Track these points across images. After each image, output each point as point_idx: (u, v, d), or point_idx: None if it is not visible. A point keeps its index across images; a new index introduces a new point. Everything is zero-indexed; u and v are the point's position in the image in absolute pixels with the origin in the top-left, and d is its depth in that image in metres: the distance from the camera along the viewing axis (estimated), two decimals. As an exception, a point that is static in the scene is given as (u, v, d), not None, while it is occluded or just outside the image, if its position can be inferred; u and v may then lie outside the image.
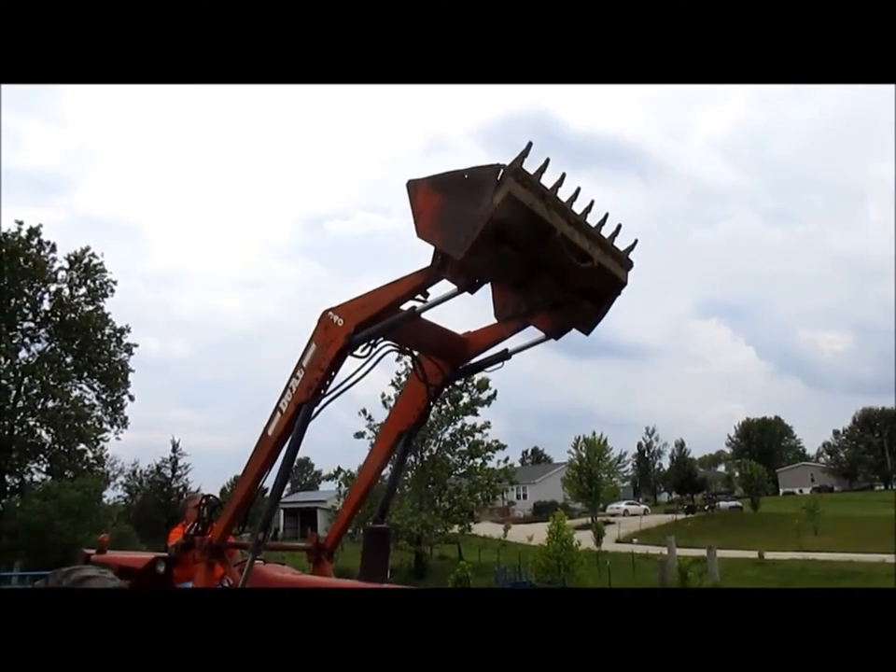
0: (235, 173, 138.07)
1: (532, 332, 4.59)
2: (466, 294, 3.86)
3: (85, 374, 40.45)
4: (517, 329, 4.50)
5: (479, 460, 37.97)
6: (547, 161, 3.57)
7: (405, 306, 4.04)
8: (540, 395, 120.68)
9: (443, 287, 3.92)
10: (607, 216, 4.04)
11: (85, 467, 39.03)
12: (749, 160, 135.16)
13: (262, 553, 4.77)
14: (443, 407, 36.67)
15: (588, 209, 3.94)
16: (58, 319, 39.28)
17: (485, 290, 4.18)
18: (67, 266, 39.43)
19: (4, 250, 36.59)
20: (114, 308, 42.51)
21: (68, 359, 40.19)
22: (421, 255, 3.82)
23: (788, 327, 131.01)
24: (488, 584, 26.34)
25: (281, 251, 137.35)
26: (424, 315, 4.16)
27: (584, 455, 50.41)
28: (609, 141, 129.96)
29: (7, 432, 37.49)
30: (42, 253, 38.65)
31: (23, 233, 37.84)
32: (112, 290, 40.44)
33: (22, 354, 38.97)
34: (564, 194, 3.77)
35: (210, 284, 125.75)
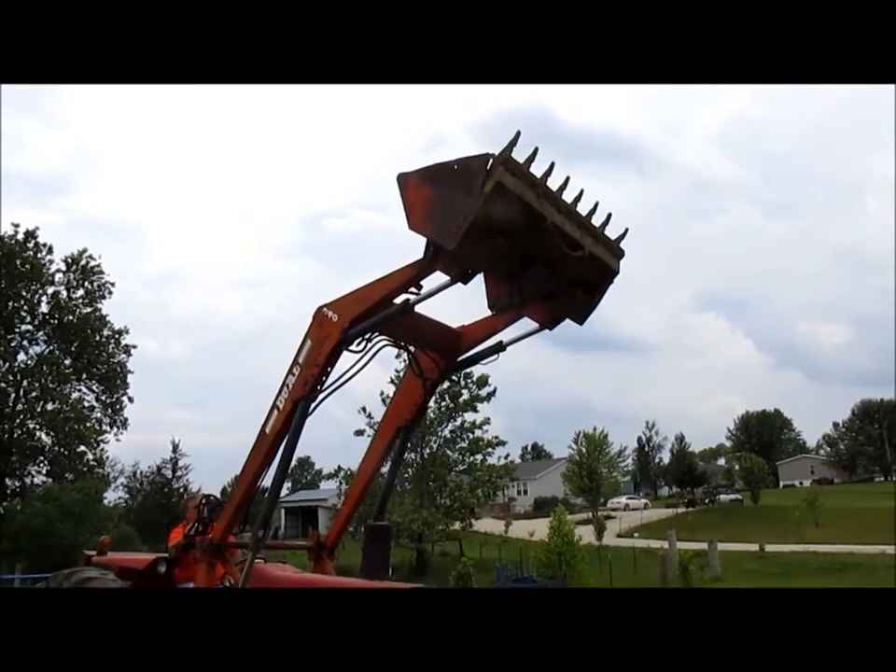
0: (233, 172, 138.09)
1: (526, 324, 4.60)
2: (461, 287, 3.87)
3: (84, 376, 40.43)
4: (511, 320, 4.51)
5: (479, 457, 37.98)
6: (535, 149, 3.58)
7: (399, 299, 4.05)
8: (540, 391, 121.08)
9: (437, 279, 3.92)
10: (597, 205, 4.06)
11: (85, 469, 39.02)
12: (747, 153, 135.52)
13: (263, 552, 4.77)
14: (443, 404, 36.72)
15: (578, 198, 3.96)
16: (56, 322, 39.26)
17: (479, 284, 4.20)
18: (64, 268, 39.47)
19: (1, 253, 36.53)
20: (112, 309, 42.73)
21: (67, 361, 40.14)
22: (418, 251, 3.83)
23: (787, 319, 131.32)
24: (490, 581, 26.36)
25: (279, 250, 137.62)
26: (419, 310, 4.17)
27: (584, 450, 50.42)
28: (606, 135, 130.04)
29: (6, 435, 37.46)
30: (39, 255, 38.62)
31: (20, 236, 37.83)
32: (110, 292, 40.53)
33: (21, 357, 39.06)
34: (554, 184, 3.79)
35: (209, 284, 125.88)
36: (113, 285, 40.51)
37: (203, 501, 4.94)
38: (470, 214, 3.42)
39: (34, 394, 38.55)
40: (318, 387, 4.25)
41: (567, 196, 3.90)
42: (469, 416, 37.76)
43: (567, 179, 3.85)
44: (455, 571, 25.75)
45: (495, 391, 37.72)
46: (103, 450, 40.66)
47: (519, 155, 3.54)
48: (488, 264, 3.94)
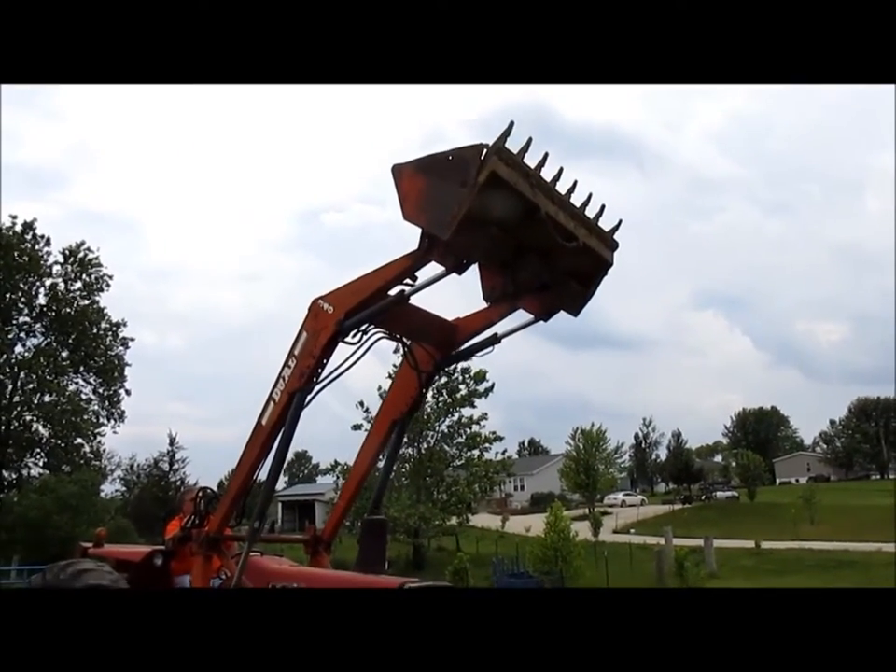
0: (231, 166, 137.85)
1: (521, 317, 4.61)
2: (455, 279, 3.88)
3: (81, 369, 40.37)
4: (506, 312, 4.52)
5: (476, 452, 38.01)
6: (529, 140, 3.59)
7: (394, 291, 4.05)
8: (537, 386, 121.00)
9: (432, 270, 3.93)
10: (590, 196, 4.08)
11: (82, 461, 39.01)
12: (747, 151, 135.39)
13: (260, 546, 4.77)
14: (441, 399, 36.73)
15: (572, 189, 3.97)
16: (53, 314, 39.18)
17: (474, 276, 4.19)
18: (62, 260, 39.38)
19: (-1, 245, 36.47)
20: (110, 302, 42.59)
21: (64, 354, 40.08)
22: (416, 245, 3.82)
23: (785, 317, 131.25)
24: (486, 575, 26.45)
25: (277, 244, 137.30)
26: (415, 303, 4.17)
27: (581, 446, 50.42)
28: (605, 132, 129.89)
29: (3, 427, 37.45)
30: (37, 247, 38.52)
31: (18, 228, 37.74)
32: (108, 285, 40.43)
33: (18, 349, 38.97)
34: (548, 175, 3.80)
35: (206, 277, 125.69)
36: (111, 277, 40.50)
37: (200, 494, 4.93)
38: (465, 204, 3.42)
39: (31, 386, 38.53)
40: (314, 379, 4.26)
41: (561, 187, 3.91)
42: (466, 411, 37.82)
43: (561, 170, 3.87)
44: (451, 566, 25.81)
45: (493, 387, 37.79)
46: (100, 442, 40.76)
47: (514, 148, 3.55)
48: (482, 255, 3.95)
